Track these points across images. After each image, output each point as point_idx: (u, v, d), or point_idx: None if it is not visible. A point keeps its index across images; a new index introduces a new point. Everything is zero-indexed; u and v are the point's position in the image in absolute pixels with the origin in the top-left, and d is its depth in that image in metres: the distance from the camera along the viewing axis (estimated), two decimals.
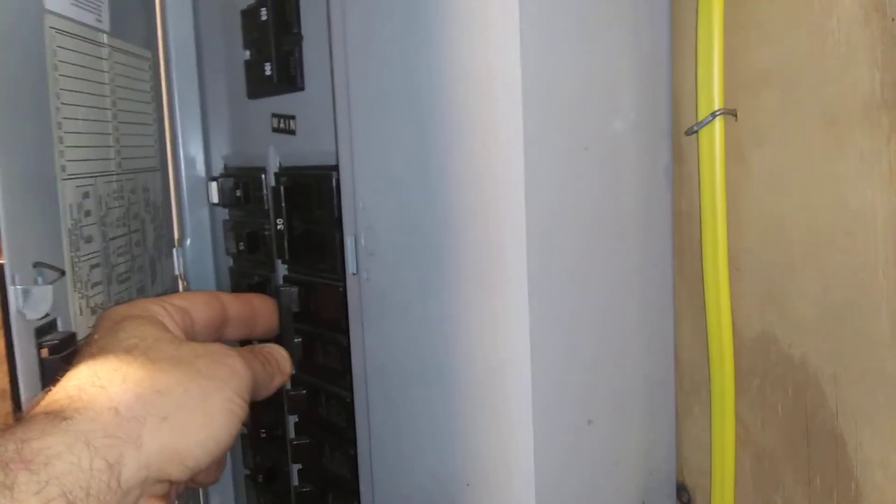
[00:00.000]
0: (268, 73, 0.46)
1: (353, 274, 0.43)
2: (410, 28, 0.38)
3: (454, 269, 0.37)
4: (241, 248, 0.52)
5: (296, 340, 0.48)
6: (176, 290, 0.59)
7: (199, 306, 0.41)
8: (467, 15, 0.35)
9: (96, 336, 0.37)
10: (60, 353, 0.39)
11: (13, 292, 0.36)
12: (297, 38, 0.45)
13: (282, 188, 0.47)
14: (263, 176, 0.50)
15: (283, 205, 0.47)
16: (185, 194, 0.59)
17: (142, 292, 0.53)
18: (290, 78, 0.46)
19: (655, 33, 0.41)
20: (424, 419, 0.41)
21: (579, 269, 0.38)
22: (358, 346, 0.44)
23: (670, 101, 0.42)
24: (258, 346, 0.42)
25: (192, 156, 0.59)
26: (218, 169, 0.58)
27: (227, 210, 0.57)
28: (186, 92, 0.58)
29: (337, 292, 0.45)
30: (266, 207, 0.50)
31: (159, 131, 0.57)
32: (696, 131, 0.40)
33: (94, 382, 0.33)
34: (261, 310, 0.45)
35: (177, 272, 0.60)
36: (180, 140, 0.59)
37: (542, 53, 0.34)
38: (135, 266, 0.52)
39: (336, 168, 0.44)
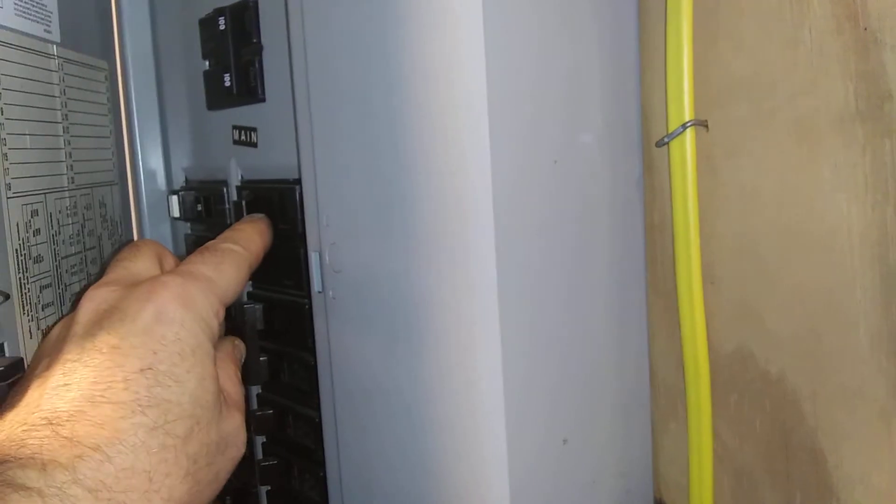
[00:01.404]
0: (227, 83, 0.44)
1: (319, 292, 0.41)
2: (371, 37, 0.36)
3: (421, 288, 0.36)
4: None
5: (261, 359, 0.46)
6: None
7: (234, 287, 0.38)
8: (430, 24, 0.34)
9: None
10: (6, 379, 0.37)
11: None
12: (257, 48, 0.44)
13: (244, 202, 0.45)
14: (225, 189, 0.48)
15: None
16: (144, 208, 0.57)
17: None
18: (250, 89, 0.44)
19: (622, 44, 0.40)
20: (395, 440, 0.39)
21: (550, 284, 0.36)
22: (325, 365, 0.42)
23: (639, 113, 0.41)
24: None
25: (152, 169, 0.57)
26: (179, 182, 0.56)
27: (188, 224, 0.55)
28: (145, 103, 0.57)
29: (303, 310, 0.44)
30: (228, 222, 0.49)
31: (117, 144, 0.55)
32: (667, 143, 0.39)
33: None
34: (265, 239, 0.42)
35: None
36: (139, 152, 0.57)
37: (508, 65, 0.33)
38: (89, 284, 0.50)
39: (299, 182, 0.43)
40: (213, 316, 0.36)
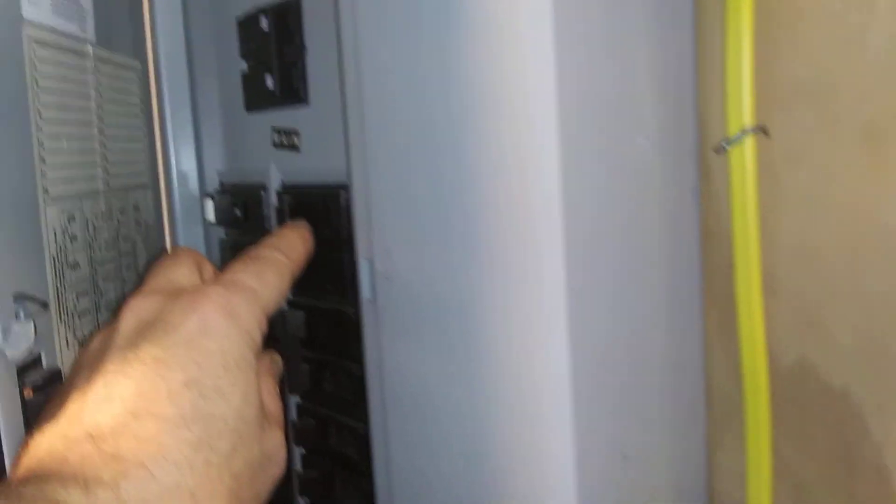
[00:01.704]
0: (269, 85, 0.43)
1: (369, 299, 0.40)
2: (435, 39, 0.35)
3: (483, 295, 0.34)
4: None
5: (303, 367, 0.45)
6: None
7: (277, 297, 0.36)
8: (496, 22, 0.32)
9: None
10: (43, 391, 0.36)
11: None
12: (301, 50, 0.42)
13: (287, 208, 0.44)
14: (263, 193, 0.47)
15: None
16: (177, 212, 0.56)
17: None
18: (293, 91, 0.43)
19: (679, 48, 0.39)
20: (454, 453, 0.38)
21: (613, 294, 0.35)
22: (375, 375, 0.41)
23: (696, 117, 0.40)
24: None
25: (185, 171, 0.56)
26: (212, 185, 0.54)
27: (223, 229, 0.53)
28: (178, 104, 0.55)
29: (348, 318, 0.42)
30: (267, 227, 0.47)
31: (149, 146, 0.54)
32: (726, 149, 0.37)
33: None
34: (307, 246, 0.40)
35: None
36: (172, 154, 0.56)
37: (575, 65, 0.32)
38: (125, 291, 0.49)
39: (345, 187, 0.41)
40: (256, 327, 0.35)
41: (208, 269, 0.39)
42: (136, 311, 0.34)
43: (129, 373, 0.31)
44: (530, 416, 0.34)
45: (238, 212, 0.48)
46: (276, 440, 0.35)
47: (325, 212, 0.42)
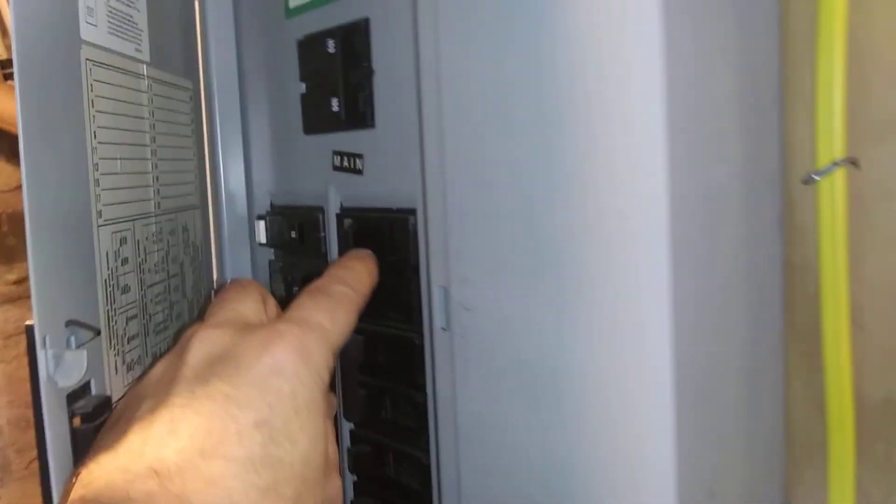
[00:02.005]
0: (334, 108, 0.42)
1: (443, 329, 0.38)
2: (527, 56, 0.33)
3: (574, 338, 0.33)
4: (296, 291, 0.47)
5: (360, 393, 0.44)
6: None
7: (346, 335, 0.36)
8: (598, 49, 0.31)
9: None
10: (94, 420, 0.35)
11: (44, 357, 0.32)
12: (368, 72, 0.41)
13: (349, 232, 0.42)
14: (321, 216, 0.46)
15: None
16: (225, 233, 0.55)
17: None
18: (358, 115, 0.42)
19: (763, 72, 0.37)
20: (535, 491, 0.36)
21: (698, 328, 0.33)
22: (447, 407, 0.39)
23: (781, 148, 0.38)
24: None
25: (234, 192, 0.56)
26: (261, 207, 0.54)
27: (272, 251, 0.52)
28: (229, 124, 0.55)
29: (413, 345, 0.41)
30: (323, 250, 0.46)
31: (199, 166, 0.54)
32: (815, 181, 0.35)
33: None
34: (374, 279, 0.40)
35: None
36: (221, 175, 0.55)
37: (679, 93, 0.30)
38: (173, 314, 0.48)
39: (412, 211, 0.40)
40: (325, 368, 0.34)
41: (272, 302, 0.38)
42: (206, 343, 0.33)
43: (198, 409, 0.30)
44: (628, 458, 0.32)
45: (293, 234, 0.47)
46: (336, 486, 0.34)
47: (393, 237, 0.41)
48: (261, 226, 0.50)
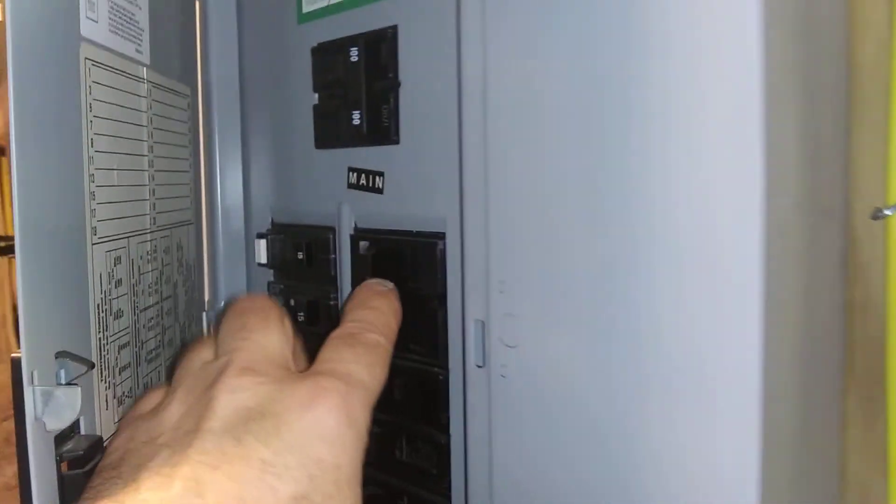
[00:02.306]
0: (354, 121, 0.38)
1: (479, 366, 0.35)
2: (600, 65, 0.30)
3: (651, 385, 0.30)
4: (300, 318, 0.44)
5: (372, 430, 0.40)
6: None
7: (380, 391, 0.32)
8: (697, 68, 0.28)
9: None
10: (84, 466, 0.31)
11: (31, 395, 0.28)
12: (394, 84, 0.38)
13: (368, 256, 0.39)
14: (332, 237, 0.42)
15: (368, 275, 0.39)
16: (220, 252, 0.51)
17: (170, 371, 0.45)
18: (381, 129, 0.38)
19: (828, 100, 0.34)
20: None
21: (769, 370, 0.30)
22: (479, 450, 0.36)
23: (844, 178, 0.35)
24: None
25: (230, 208, 0.52)
26: (259, 224, 0.50)
27: (271, 272, 0.48)
28: (227, 134, 0.51)
29: (436, 382, 0.37)
30: (333, 273, 0.43)
31: (194, 179, 0.50)
32: (885, 217, 0.33)
33: None
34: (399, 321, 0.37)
35: None
36: (218, 189, 0.51)
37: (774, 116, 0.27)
38: (164, 340, 0.44)
39: (442, 236, 0.37)
40: (366, 431, 0.30)
41: (289, 326, 0.34)
42: (238, 392, 0.29)
43: (230, 472, 0.26)
44: None
45: (300, 254, 0.43)
46: None
47: (418, 262, 0.38)
48: (261, 244, 0.47)
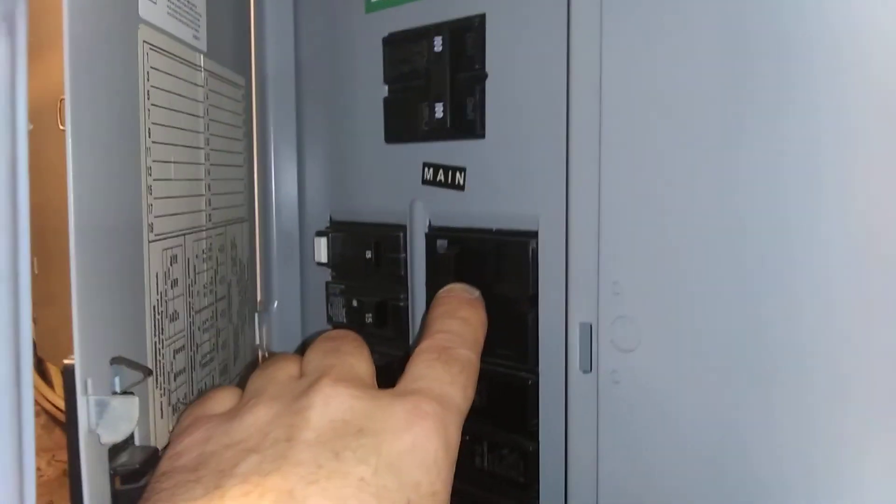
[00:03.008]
0: (438, 115, 0.36)
1: (584, 372, 0.33)
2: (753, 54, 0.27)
3: (790, 399, 0.27)
4: (368, 319, 0.41)
5: None
6: (255, 364, 0.49)
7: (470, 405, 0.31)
8: None
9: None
10: (138, 480, 0.29)
11: (85, 405, 0.26)
12: (480, 76, 0.35)
13: (450, 256, 0.36)
14: (402, 235, 0.40)
15: (447, 275, 0.37)
16: (274, 250, 0.49)
17: (224, 374, 0.42)
18: (466, 123, 0.36)
19: None
20: None
21: None
22: (585, 462, 0.33)
23: None
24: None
25: (284, 205, 0.49)
26: (314, 221, 0.47)
27: (329, 272, 0.46)
28: (283, 127, 0.49)
29: (525, 387, 0.35)
30: (402, 273, 0.40)
31: (248, 174, 0.47)
32: None
33: None
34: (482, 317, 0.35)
35: (257, 342, 0.50)
36: (273, 184, 0.49)
37: None
38: (219, 342, 0.41)
39: (534, 235, 0.34)
40: (456, 453, 0.28)
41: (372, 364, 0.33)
42: (334, 403, 0.27)
43: (327, 488, 0.24)
44: None
45: (368, 254, 0.41)
46: None
47: (506, 263, 0.35)
48: (321, 243, 0.44)
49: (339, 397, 0.27)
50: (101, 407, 0.26)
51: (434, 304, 0.35)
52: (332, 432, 0.26)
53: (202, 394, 0.37)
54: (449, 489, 0.27)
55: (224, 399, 0.31)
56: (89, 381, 0.26)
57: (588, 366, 0.32)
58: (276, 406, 0.28)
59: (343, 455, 0.25)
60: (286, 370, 0.31)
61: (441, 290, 0.36)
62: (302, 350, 0.48)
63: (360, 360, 0.31)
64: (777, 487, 0.28)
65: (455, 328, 0.33)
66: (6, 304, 0.23)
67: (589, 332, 0.32)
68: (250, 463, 0.25)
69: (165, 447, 0.31)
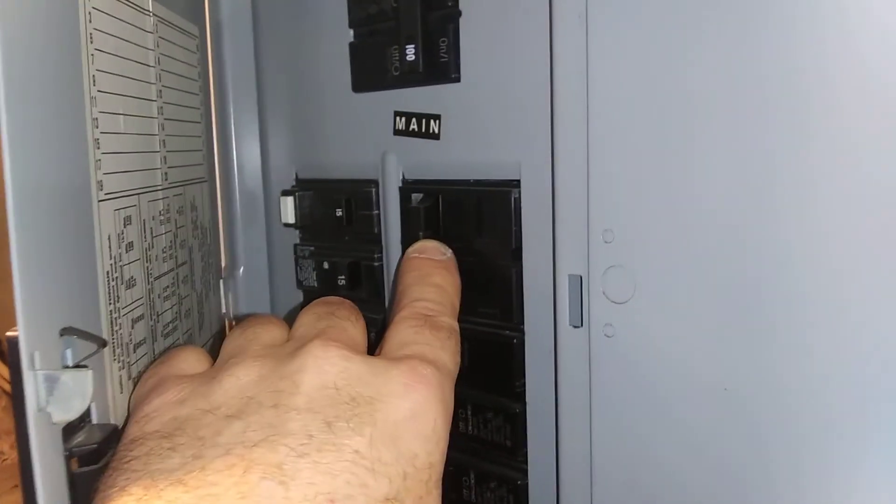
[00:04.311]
0: (409, 57, 0.33)
1: (574, 327, 0.31)
2: None
3: (796, 354, 0.25)
4: (341, 281, 0.39)
5: None
6: (222, 334, 0.46)
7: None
8: None
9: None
10: (98, 461, 0.26)
11: (33, 381, 0.23)
12: (453, 14, 0.33)
13: (421, 209, 0.34)
14: (374, 190, 0.37)
15: (423, 230, 0.35)
16: (237, 212, 0.46)
17: (189, 344, 0.40)
18: (438, 66, 0.33)
19: None
20: None
21: None
22: (577, 421, 0.32)
23: None
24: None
25: (246, 163, 0.46)
26: (279, 180, 0.45)
27: (296, 233, 0.44)
28: (241, 80, 0.45)
29: (510, 347, 0.33)
30: (376, 230, 0.38)
31: (206, 131, 0.44)
32: None
33: None
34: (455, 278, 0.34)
35: (223, 310, 0.47)
36: (233, 142, 0.46)
37: None
38: (182, 311, 0.39)
39: (516, 184, 0.32)
40: (451, 421, 0.27)
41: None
42: (324, 366, 0.26)
43: (319, 461, 0.22)
44: None
45: (339, 212, 0.38)
46: None
47: (486, 215, 0.33)
48: (288, 202, 0.42)
49: (331, 360, 0.26)
50: (51, 382, 0.24)
51: (404, 266, 0.33)
52: (325, 399, 0.24)
53: (163, 353, 0.35)
54: (444, 459, 0.26)
55: (191, 359, 0.29)
56: (36, 355, 0.23)
57: (578, 320, 0.31)
58: (259, 368, 0.26)
59: (336, 425, 0.23)
60: (269, 332, 0.29)
61: (411, 249, 0.34)
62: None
63: (355, 327, 0.29)
64: (780, 444, 0.26)
65: (431, 295, 0.31)
66: None
67: (579, 284, 0.31)
68: (233, 431, 0.23)
69: (129, 412, 0.28)
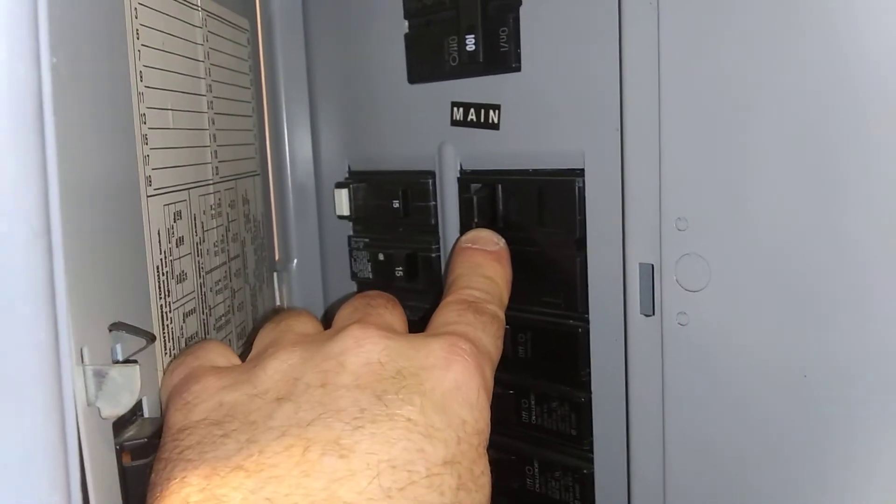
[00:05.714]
0: (469, 48, 0.33)
1: (646, 316, 0.30)
2: None
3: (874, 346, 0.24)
4: (399, 273, 0.39)
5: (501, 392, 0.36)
6: None
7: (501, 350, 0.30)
8: None
9: None
10: (149, 456, 0.26)
11: (81, 376, 0.23)
12: (514, 3, 0.32)
13: (477, 199, 0.34)
14: (431, 181, 0.37)
15: (482, 221, 0.35)
16: (290, 205, 0.46)
17: (242, 337, 0.40)
18: (498, 55, 0.33)
19: None
20: None
21: None
22: (649, 410, 0.31)
23: None
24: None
25: (297, 155, 0.46)
26: (332, 172, 0.44)
27: (350, 225, 0.43)
28: (294, 74, 0.45)
29: (575, 336, 0.33)
30: (433, 222, 0.38)
31: (258, 124, 0.44)
32: None
33: None
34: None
35: (277, 303, 0.47)
36: (286, 135, 0.46)
37: None
38: (234, 304, 0.39)
39: (580, 173, 0.32)
40: (490, 398, 0.27)
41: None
42: (364, 345, 0.26)
43: (375, 433, 0.23)
44: None
45: (395, 203, 0.38)
46: None
47: (550, 204, 0.33)
48: (342, 195, 0.41)
49: (371, 339, 0.26)
50: (100, 377, 0.24)
51: (456, 254, 0.33)
52: (371, 375, 0.24)
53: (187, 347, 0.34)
54: (489, 430, 0.26)
55: (217, 351, 0.29)
56: (85, 350, 0.23)
57: (650, 309, 0.30)
58: (301, 351, 0.26)
59: (386, 397, 0.24)
60: (303, 323, 0.29)
61: (464, 238, 0.34)
62: (326, 311, 0.46)
63: (392, 314, 0.30)
64: (858, 432, 0.25)
65: (480, 285, 0.31)
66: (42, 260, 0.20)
67: (650, 272, 0.30)
68: (285, 412, 0.23)
69: (163, 403, 0.28)
